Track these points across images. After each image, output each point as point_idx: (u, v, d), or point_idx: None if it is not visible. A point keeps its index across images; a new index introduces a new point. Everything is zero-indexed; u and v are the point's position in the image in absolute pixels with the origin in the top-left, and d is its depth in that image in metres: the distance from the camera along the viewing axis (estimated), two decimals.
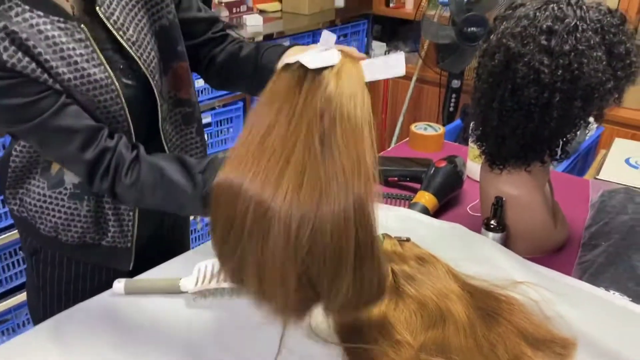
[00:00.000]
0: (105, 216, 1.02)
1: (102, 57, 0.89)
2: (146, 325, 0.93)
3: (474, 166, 1.45)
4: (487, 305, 0.95)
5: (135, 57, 0.93)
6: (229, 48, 1.10)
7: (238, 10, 2.79)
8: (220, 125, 2.51)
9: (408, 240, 1.12)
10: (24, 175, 1.01)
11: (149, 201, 0.90)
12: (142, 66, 0.94)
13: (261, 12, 2.93)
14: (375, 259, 0.71)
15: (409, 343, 0.87)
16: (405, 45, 3.23)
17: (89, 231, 1.02)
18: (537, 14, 0.97)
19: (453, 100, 2.66)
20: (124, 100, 0.92)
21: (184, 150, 1.10)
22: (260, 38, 2.57)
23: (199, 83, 2.34)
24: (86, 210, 1.01)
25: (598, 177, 1.60)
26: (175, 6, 1.01)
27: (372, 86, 2.92)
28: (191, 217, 1.17)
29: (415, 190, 1.37)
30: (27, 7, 0.82)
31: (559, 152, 1.06)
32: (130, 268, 1.07)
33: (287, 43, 2.66)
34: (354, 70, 0.76)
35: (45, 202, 1.00)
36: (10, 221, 1.82)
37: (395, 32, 3.34)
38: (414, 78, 2.96)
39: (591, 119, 1.06)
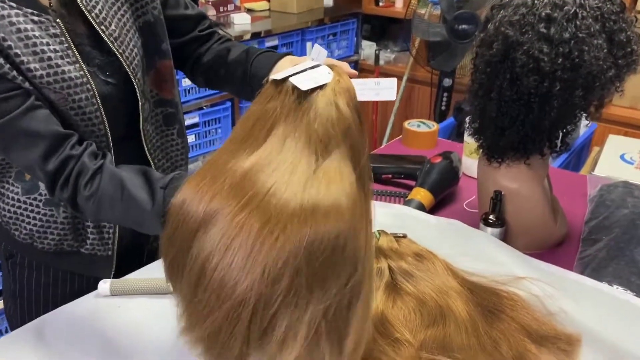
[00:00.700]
0: (84, 223, 0.98)
1: (77, 55, 0.84)
2: (133, 327, 0.89)
3: (469, 162, 1.43)
4: (488, 301, 0.92)
5: (117, 54, 0.88)
6: (216, 47, 1.06)
7: (225, 9, 2.75)
8: (208, 125, 2.47)
9: (405, 236, 1.09)
10: None
11: (108, 215, 0.83)
12: (123, 63, 0.89)
13: (249, 10, 2.90)
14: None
15: (409, 341, 0.84)
16: (395, 44, 3.21)
17: (67, 238, 0.98)
18: (536, 1, 0.94)
19: (445, 99, 2.64)
20: (99, 101, 0.87)
21: (164, 151, 1.05)
22: (248, 37, 2.54)
23: (186, 82, 2.30)
24: (63, 217, 0.96)
25: (594, 172, 1.58)
26: (161, 3, 0.97)
27: None
28: None
29: (409, 188, 1.34)
30: None
31: (559, 144, 1.04)
32: (111, 277, 1.02)
33: (275, 42, 2.65)
34: (347, 92, 0.68)
35: (20, 207, 0.96)
36: None
37: (384, 31, 3.32)
38: (405, 77, 2.94)
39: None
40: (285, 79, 0.68)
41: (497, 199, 1.07)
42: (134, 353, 0.84)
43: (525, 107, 0.97)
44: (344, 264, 0.59)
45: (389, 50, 3.18)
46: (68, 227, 0.97)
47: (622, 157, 1.73)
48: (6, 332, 1.87)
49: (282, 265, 0.56)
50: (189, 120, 2.36)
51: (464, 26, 2.33)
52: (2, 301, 1.15)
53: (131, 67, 0.90)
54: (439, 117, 2.66)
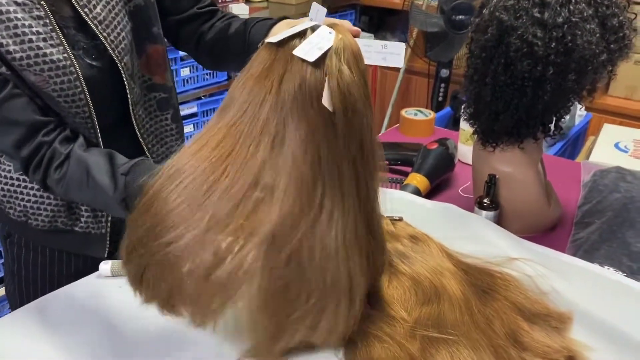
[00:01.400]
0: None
1: (61, 37, 0.85)
2: (134, 307, 0.90)
3: (464, 149, 1.44)
4: (481, 281, 0.94)
5: (101, 37, 0.88)
6: (218, 24, 1.06)
7: (224, 0, 2.76)
8: (207, 115, 2.48)
9: (400, 219, 1.10)
10: None
11: (76, 198, 0.89)
12: (108, 47, 0.89)
13: (247, 1, 2.90)
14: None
15: (404, 319, 0.85)
16: (392, 35, 3.22)
17: (60, 216, 0.99)
18: None
19: (442, 89, 2.66)
20: (83, 83, 0.87)
21: (158, 137, 1.06)
22: None
23: (185, 72, 2.31)
24: None
25: (588, 160, 1.60)
26: None
27: None
28: None
29: (406, 174, 1.36)
30: None
31: (552, 129, 1.05)
32: (105, 255, 1.04)
33: None
34: (356, 57, 0.66)
35: (13, 185, 0.97)
36: None
37: (382, 22, 3.33)
38: (403, 68, 2.95)
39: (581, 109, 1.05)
40: (282, 43, 0.65)
41: (492, 183, 1.09)
42: (135, 333, 0.85)
43: (519, 91, 0.98)
44: None
45: (391, 40, 3.19)
46: (61, 204, 0.98)
47: (616, 145, 1.75)
48: None
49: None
50: (187, 110, 2.37)
51: (461, 17, 2.34)
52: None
53: (116, 51, 0.90)
54: (436, 108, 2.67)
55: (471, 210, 1.15)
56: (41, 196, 0.97)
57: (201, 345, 0.82)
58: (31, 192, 0.97)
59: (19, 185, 0.97)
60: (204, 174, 0.66)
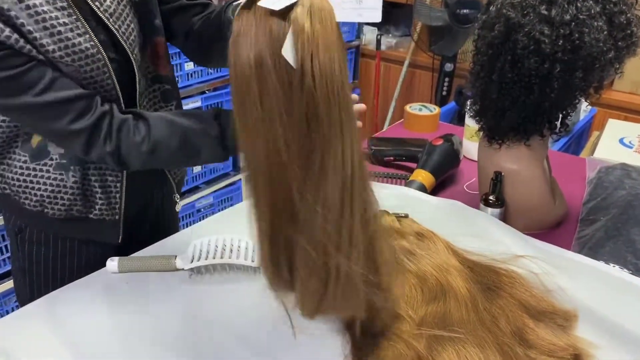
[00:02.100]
0: (92, 188, 0.99)
1: (86, 25, 0.86)
2: (141, 303, 0.91)
3: (470, 145, 1.44)
4: (487, 279, 0.94)
5: (114, 29, 0.90)
6: (207, 16, 1.05)
7: None
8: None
9: (406, 216, 1.11)
10: (4, 150, 0.98)
11: (163, 154, 0.90)
12: (120, 39, 0.91)
13: None
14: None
15: (410, 317, 0.86)
16: (396, 29, 3.21)
17: (76, 204, 0.99)
18: None
19: (446, 83, 2.65)
20: (111, 69, 0.89)
21: None
22: None
23: (189, 66, 2.30)
24: (72, 182, 0.98)
25: (593, 156, 1.60)
26: None
27: (363, 71, 2.93)
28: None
29: (411, 170, 1.36)
30: None
31: (559, 126, 1.05)
32: (119, 241, 1.05)
33: None
34: (325, 11, 0.62)
35: (29, 175, 0.97)
36: None
37: (386, 16, 3.31)
38: (406, 62, 2.94)
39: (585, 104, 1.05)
40: (252, 4, 0.61)
41: (497, 180, 1.09)
42: (143, 329, 0.86)
43: (525, 88, 0.98)
44: None
45: (390, 35, 3.18)
46: (77, 192, 0.98)
47: (621, 141, 1.75)
48: (17, 309, 1.90)
49: None
50: (191, 104, 2.36)
51: (466, 11, 2.33)
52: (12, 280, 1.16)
53: (127, 43, 0.92)
54: (440, 102, 2.67)
55: (476, 206, 1.15)
56: (57, 184, 0.97)
57: (206, 341, 0.83)
58: (47, 182, 0.97)
59: (35, 176, 0.97)
60: None
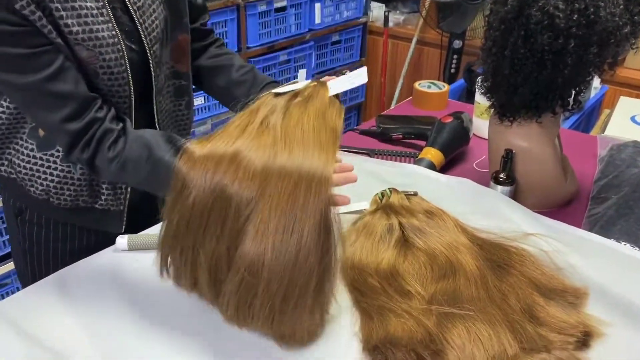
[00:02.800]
0: (99, 180, 1.00)
1: (111, 14, 0.86)
2: (151, 280, 0.91)
3: (480, 122, 1.43)
4: (497, 256, 0.94)
5: (138, 23, 0.90)
6: (214, 52, 1.11)
7: None
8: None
9: (415, 194, 1.10)
10: (10, 134, 0.97)
11: (129, 176, 0.88)
12: (142, 33, 0.91)
13: None
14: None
15: (420, 294, 0.86)
16: (404, 5, 3.16)
17: (82, 194, 1.00)
18: None
19: (454, 61, 2.62)
20: (127, 62, 0.89)
21: (171, 120, 1.07)
22: None
23: None
24: (80, 174, 0.98)
25: (604, 134, 1.58)
26: None
27: (370, 49, 2.88)
28: None
29: (420, 148, 1.35)
30: None
31: (571, 102, 1.04)
32: (122, 230, 1.05)
33: (284, 2, 2.60)
34: (319, 90, 0.81)
35: (36, 164, 0.97)
36: None
37: None
38: (415, 39, 2.91)
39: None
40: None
41: (508, 157, 1.08)
42: (152, 305, 0.86)
43: (538, 64, 0.96)
44: None
45: (398, 11, 3.13)
46: (84, 184, 0.99)
47: (632, 118, 1.73)
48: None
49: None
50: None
51: None
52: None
53: (148, 38, 0.92)
54: (449, 80, 2.64)
55: (486, 184, 1.15)
56: (64, 176, 0.97)
57: (218, 316, 0.83)
58: (54, 172, 0.97)
59: (42, 165, 0.97)
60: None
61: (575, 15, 0.91)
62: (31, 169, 0.98)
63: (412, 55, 2.94)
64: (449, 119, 1.33)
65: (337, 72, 2.93)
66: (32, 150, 0.96)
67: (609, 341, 0.79)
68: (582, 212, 1.12)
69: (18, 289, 1.92)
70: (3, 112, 0.95)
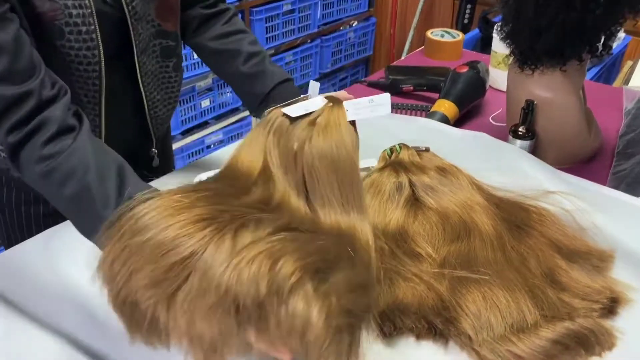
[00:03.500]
0: None
1: None
2: None
3: (496, 73, 1.35)
4: (515, 216, 0.88)
5: None
6: (221, 30, 1.00)
7: None
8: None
9: (427, 150, 1.03)
10: None
11: (47, 190, 0.71)
12: None
13: None
14: None
15: (431, 256, 0.80)
16: None
17: None
18: None
19: (468, 10, 2.51)
20: (96, 22, 0.81)
21: (157, 82, 0.99)
22: None
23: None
24: None
25: (628, 85, 1.49)
26: None
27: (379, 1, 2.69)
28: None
29: (432, 101, 1.28)
30: None
31: (600, 48, 0.95)
32: None
33: None
34: (336, 116, 0.69)
35: None
36: None
37: None
38: None
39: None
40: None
41: (529, 109, 1.00)
42: None
43: (566, 4, 0.88)
44: None
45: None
46: None
47: None
48: None
49: None
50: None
51: None
52: None
53: None
54: (462, 30, 2.52)
55: (504, 139, 1.08)
56: None
57: None
58: None
59: None
60: None
61: None
62: None
63: (423, 4, 2.82)
64: (464, 69, 1.25)
65: (343, 23, 2.82)
66: None
67: (637, 308, 0.74)
68: (607, 169, 1.06)
69: None
70: None
